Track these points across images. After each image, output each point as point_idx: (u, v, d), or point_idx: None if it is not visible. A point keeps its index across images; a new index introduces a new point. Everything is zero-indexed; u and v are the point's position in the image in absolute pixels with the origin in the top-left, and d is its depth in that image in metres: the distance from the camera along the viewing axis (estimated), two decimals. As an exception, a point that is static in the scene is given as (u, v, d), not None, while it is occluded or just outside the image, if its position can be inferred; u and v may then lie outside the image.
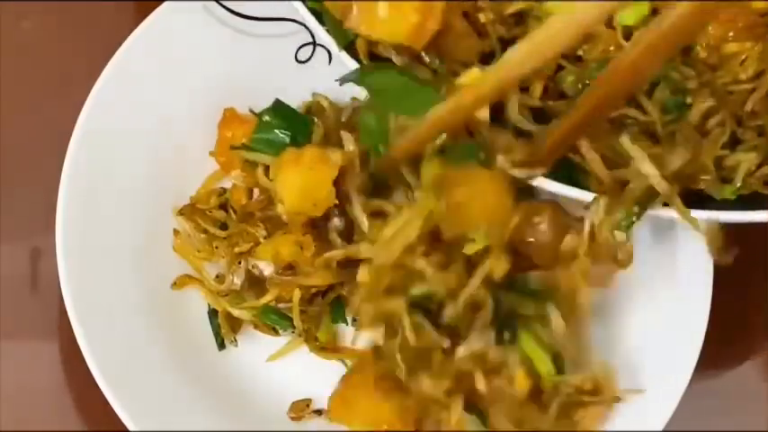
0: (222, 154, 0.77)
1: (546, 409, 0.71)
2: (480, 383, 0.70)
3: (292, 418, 0.73)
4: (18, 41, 0.82)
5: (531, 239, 0.63)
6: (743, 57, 0.62)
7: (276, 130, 0.74)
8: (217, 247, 0.75)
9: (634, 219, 0.60)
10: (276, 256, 0.72)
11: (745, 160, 0.60)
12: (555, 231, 0.62)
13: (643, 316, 0.75)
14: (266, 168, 0.74)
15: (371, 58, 0.62)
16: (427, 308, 0.69)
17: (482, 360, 0.69)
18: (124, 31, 0.74)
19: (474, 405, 0.72)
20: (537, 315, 0.71)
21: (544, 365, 0.70)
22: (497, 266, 0.62)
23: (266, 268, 0.72)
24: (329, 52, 0.77)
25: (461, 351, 0.69)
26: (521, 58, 0.54)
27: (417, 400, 0.71)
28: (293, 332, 0.74)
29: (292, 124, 0.75)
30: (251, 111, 0.77)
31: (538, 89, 0.63)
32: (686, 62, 0.63)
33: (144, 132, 0.75)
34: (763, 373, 0.81)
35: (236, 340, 0.75)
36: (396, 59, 0.62)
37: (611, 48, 0.63)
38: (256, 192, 0.76)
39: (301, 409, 0.74)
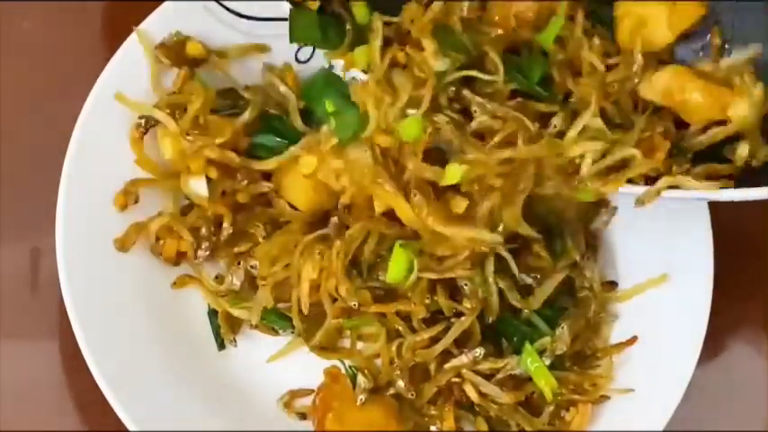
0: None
1: (538, 414, 0.72)
2: (472, 393, 0.71)
3: (284, 405, 0.74)
4: (18, 41, 0.82)
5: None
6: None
7: (273, 136, 0.74)
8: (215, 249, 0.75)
9: None
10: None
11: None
12: None
13: (643, 316, 0.75)
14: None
15: None
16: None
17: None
18: (124, 31, 0.74)
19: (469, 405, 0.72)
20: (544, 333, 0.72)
21: (547, 382, 0.70)
22: None
23: (265, 268, 0.73)
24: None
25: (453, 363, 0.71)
26: None
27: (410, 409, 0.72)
28: (293, 332, 0.74)
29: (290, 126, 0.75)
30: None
31: None
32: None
33: (144, 132, 0.75)
34: (763, 373, 0.81)
35: (235, 340, 0.75)
36: None
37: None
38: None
39: (298, 395, 0.74)
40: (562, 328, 0.72)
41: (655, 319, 0.74)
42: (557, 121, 0.62)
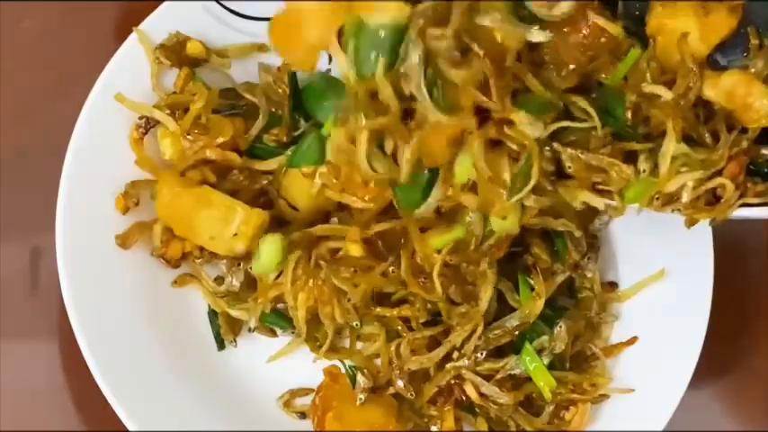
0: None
1: (538, 414, 0.72)
2: (472, 393, 0.71)
3: (284, 404, 0.74)
4: (18, 41, 0.82)
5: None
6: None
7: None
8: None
9: None
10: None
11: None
12: None
13: (643, 316, 0.75)
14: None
15: None
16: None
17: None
18: (124, 31, 0.74)
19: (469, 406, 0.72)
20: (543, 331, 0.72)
21: (546, 381, 0.70)
22: None
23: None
24: (329, 52, 0.77)
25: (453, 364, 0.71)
26: None
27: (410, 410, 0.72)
28: (292, 333, 0.74)
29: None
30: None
31: None
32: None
33: (144, 132, 0.75)
34: (763, 374, 0.81)
35: (235, 341, 0.75)
36: None
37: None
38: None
39: (297, 395, 0.74)
40: (560, 326, 0.71)
41: (655, 319, 0.74)
42: (643, 165, 0.60)
